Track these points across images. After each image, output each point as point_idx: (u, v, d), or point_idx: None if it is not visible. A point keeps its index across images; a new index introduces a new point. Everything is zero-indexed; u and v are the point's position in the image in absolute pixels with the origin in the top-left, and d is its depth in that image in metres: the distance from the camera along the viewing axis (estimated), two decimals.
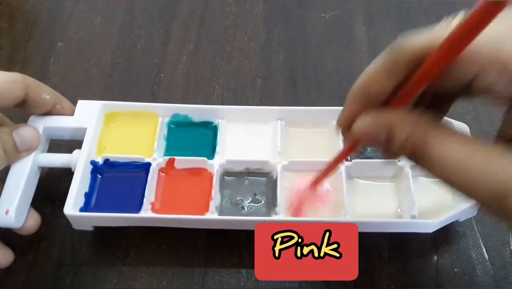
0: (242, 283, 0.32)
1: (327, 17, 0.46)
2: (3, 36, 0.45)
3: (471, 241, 0.33)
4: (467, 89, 0.20)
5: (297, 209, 0.32)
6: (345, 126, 0.23)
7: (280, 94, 0.41)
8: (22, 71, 0.32)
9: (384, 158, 0.23)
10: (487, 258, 0.32)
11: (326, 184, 0.33)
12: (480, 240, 0.33)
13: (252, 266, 0.32)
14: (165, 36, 0.45)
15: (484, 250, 0.33)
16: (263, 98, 0.41)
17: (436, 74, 0.18)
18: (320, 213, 0.32)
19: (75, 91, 0.36)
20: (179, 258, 0.33)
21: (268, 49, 0.44)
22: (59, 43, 0.44)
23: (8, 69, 0.36)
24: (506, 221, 0.19)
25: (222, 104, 0.40)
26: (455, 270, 0.32)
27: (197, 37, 0.45)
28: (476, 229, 0.33)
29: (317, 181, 0.30)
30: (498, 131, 0.21)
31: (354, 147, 0.25)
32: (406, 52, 0.19)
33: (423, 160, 0.19)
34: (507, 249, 0.33)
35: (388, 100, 0.21)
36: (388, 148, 0.21)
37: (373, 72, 0.21)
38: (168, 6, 0.47)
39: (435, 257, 0.32)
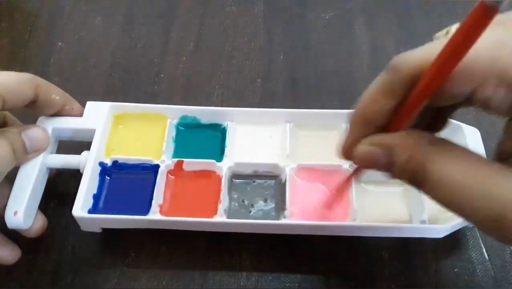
0: (242, 284, 0.32)
1: (327, 17, 0.46)
2: (3, 36, 0.45)
3: (471, 241, 0.33)
4: (467, 101, 0.19)
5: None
6: (348, 154, 0.22)
7: (280, 94, 0.41)
8: (22, 71, 0.32)
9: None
10: (487, 258, 0.32)
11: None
12: (480, 240, 0.33)
13: (252, 267, 0.32)
14: (165, 36, 0.45)
15: (484, 250, 0.33)
16: (263, 98, 0.41)
17: (431, 93, 0.18)
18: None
19: (75, 91, 0.36)
20: (179, 258, 0.33)
21: (268, 49, 0.44)
22: (59, 43, 0.44)
23: (8, 69, 0.36)
24: (506, 244, 0.18)
25: (222, 104, 0.40)
26: (455, 270, 0.32)
27: (197, 37, 0.45)
28: (476, 229, 0.33)
29: (329, 204, 0.30)
30: (497, 145, 0.20)
31: (358, 172, 0.26)
32: (401, 71, 0.19)
33: (423, 184, 0.19)
34: (507, 249, 0.33)
35: (389, 123, 0.21)
36: (390, 172, 0.21)
37: (371, 94, 0.20)
38: (168, 6, 0.47)
39: (435, 257, 0.32)
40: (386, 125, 0.21)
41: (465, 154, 0.19)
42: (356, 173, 0.26)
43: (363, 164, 0.22)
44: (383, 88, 0.20)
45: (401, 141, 0.20)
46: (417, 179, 0.19)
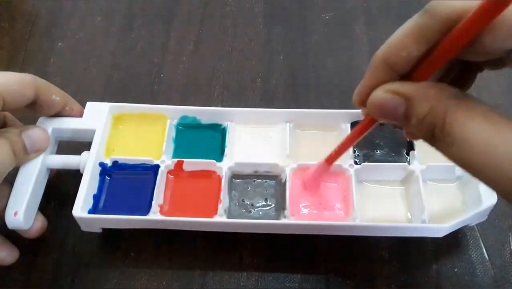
0: (242, 283, 0.32)
1: (327, 17, 0.46)
2: (3, 36, 0.45)
3: (471, 241, 0.33)
4: (500, 60, 0.18)
5: (310, 185, 0.32)
6: (362, 99, 0.21)
7: (280, 94, 0.41)
8: (22, 71, 0.32)
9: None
10: (487, 258, 0.32)
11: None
12: (480, 240, 0.33)
13: (252, 267, 0.32)
14: (165, 36, 0.45)
15: (484, 250, 0.33)
16: (263, 98, 0.41)
17: (466, 43, 0.17)
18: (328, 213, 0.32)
19: (75, 91, 0.36)
20: (179, 258, 0.33)
21: (268, 49, 0.44)
22: (59, 43, 0.44)
23: (8, 69, 0.36)
24: None
25: (222, 104, 0.40)
26: (455, 270, 0.32)
27: (197, 37, 0.45)
28: (476, 229, 0.33)
29: (331, 158, 0.29)
30: None
31: (371, 124, 0.23)
32: (439, 15, 0.17)
33: (442, 141, 0.18)
34: (507, 249, 0.33)
35: (411, 72, 0.19)
36: (406, 125, 0.19)
37: (400, 37, 0.19)
38: (168, 6, 0.47)
39: (435, 257, 0.32)
40: (409, 73, 0.19)
41: (492, 112, 0.17)
42: (367, 125, 0.24)
43: (377, 113, 0.20)
44: (415, 31, 0.18)
45: (423, 91, 0.18)
46: (436, 134, 0.18)
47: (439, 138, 0.18)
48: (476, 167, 0.17)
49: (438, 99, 0.18)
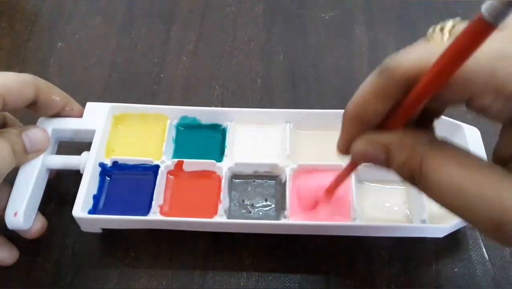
0: (242, 284, 0.32)
1: (327, 17, 0.46)
2: (3, 36, 0.45)
3: (471, 241, 0.33)
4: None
5: (310, 208, 0.32)
6: (345, 150, 0.22)
7: (280, 94, 0.41)
8: (22, 71, 0.32)
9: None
10: (487, 258, 0.32)
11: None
12: (480, 240, 0.33)
13: (252, 267, 0.32)
14: (165, 36, 0.45)
15: (484, 250, 0.33)
16: (263, 98, 0.41)
17: (428, 98, 0.18)
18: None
19: (75, 91, 0.36)
20: (179, 258, 0.33)
21: (268, 49, 0.44)
22: (59, 43, 0.44)
23: (8, 69, 0.36)
24: (505, 246, 0.18)
25: (222, 104, 0.40)
26: (455, 270, 0.32)
27: (197, 37, 0.45)
28: (476, 229, 0.33)
29: (329, 192, 0.31)
30: (494, 150, 0.20)
31: (355, 166, 0.26)
32: (395, 74, 0.19)
33: (420, 184, 0.19)
34: (507, 249, 0.33)
35: (385, 120, 0.20)
36: (389, 170, 0.20)
37: (363, 95, 0.20)
38: (168, 6, 0.47)
39: (435, 257, 0.32)
40: (382, 122, 0.20)
41: (464, 156, 0.19)
42: (352, 168, 0.26)
43: (361, 161, 0.22)
44: (376, 90, 0.19)
45: (399, 140, 0.20)
46: (415, 178, 0.19)
47: (418, 182, 0.19)
48: (453, 209, 0.19)
49: (414, 148, 0.19)
